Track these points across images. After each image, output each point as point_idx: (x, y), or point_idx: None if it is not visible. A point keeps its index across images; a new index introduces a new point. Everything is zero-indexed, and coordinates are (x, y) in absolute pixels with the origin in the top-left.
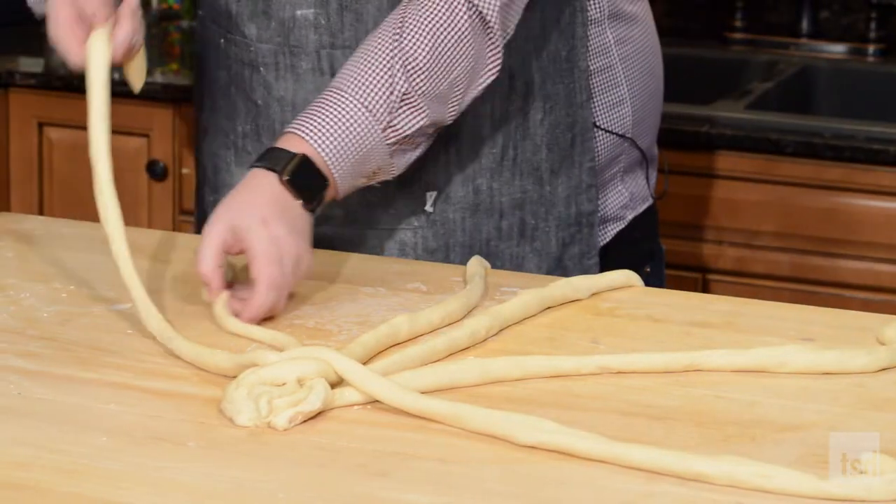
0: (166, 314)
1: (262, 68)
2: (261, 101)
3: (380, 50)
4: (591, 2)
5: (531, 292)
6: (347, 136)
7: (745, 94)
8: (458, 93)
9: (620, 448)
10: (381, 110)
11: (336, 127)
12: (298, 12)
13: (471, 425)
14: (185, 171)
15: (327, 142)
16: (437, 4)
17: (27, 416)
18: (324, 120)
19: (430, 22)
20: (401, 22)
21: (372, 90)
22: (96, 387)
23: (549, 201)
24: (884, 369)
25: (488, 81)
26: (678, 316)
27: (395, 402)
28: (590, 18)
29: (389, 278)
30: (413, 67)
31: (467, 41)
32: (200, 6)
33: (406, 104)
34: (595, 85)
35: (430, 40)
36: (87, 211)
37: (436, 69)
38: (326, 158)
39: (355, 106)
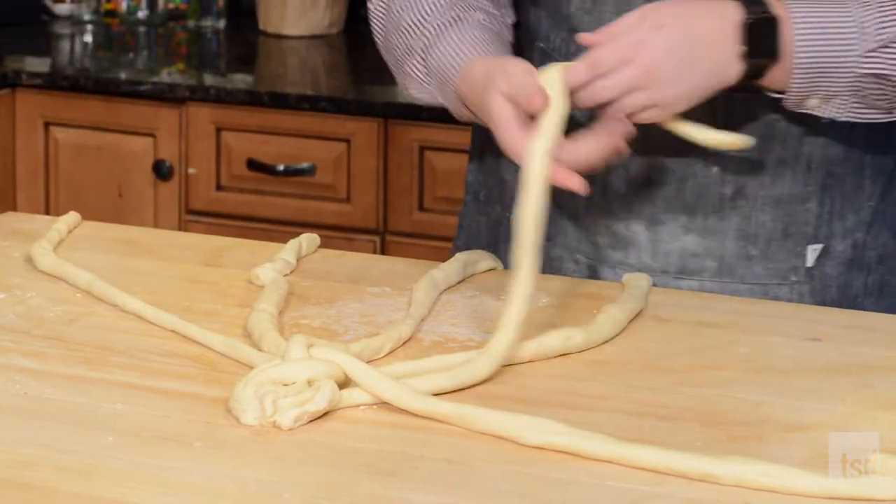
0: (171, 314)
1: None
2: None
3: None
4: None
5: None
6: (828, 32)
7: None
8: None
9: (627, 448)
10: (873, 36)
11: (823, 18)
12: None
13: (477, 426)
14: (190, 170)
15: (806, 24)
16: None
17: (33, 415)
18: (815, 8)
19: None
20: None
21: (871, 14)
22: (103, 386)
23: None
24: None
25: None
26: (684, 315)
27: (402, 403)
28: None
29: (395, 278)
30: None
31: None
32: None
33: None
34: None
35: None
36: (92, 210)
37: None
38: (798, 37)
39: (850, 18)
